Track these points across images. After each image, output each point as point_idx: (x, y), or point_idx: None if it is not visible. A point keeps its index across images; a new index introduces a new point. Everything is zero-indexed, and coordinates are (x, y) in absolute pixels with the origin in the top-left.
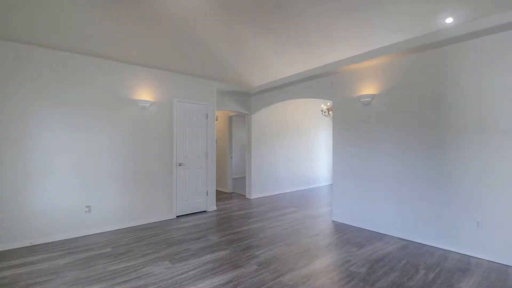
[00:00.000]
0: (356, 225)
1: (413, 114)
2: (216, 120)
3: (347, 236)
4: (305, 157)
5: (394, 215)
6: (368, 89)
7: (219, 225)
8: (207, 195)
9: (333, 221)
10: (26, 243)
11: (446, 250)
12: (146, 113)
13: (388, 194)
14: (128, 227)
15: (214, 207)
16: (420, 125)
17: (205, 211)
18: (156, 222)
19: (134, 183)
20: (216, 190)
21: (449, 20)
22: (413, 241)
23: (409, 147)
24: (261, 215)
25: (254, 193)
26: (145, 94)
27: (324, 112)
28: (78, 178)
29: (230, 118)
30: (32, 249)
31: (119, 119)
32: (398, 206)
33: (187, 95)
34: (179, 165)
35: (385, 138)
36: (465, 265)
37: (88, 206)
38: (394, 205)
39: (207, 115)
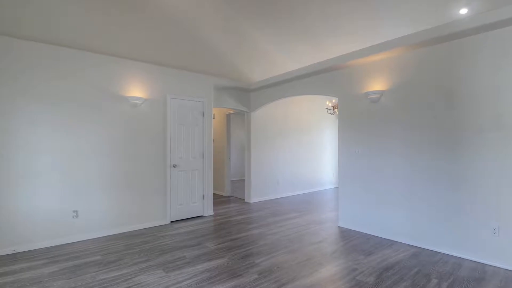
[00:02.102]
0: (364, 231)
1: (425, 112)
2: (213, 118)
3: (354, 242)
4: (309, 158)
5: (405, 220)
6: (377, 85)
7: (216, 231)
8: (204, 199)
9: (339, 226)
10: (9, 250)
11: (460, 257)
12: (138, 110)
13: (398, 197)
14: (118, 233)
15: (211, 212)
16: (433, 123)
17: (201, 216)
18: (149, 228)
19: (125, 186)
20: (213, 194)
21: (464, 11)
22: (425, 248)
23: (420, 147)
24: (262, 221)
25: (254, 197)
26: (136, 91)
27: (329, 109)
28: (65, 180)
29: (228, 116)
30: (15, 257)
31: (109, 117)
32: (409, 210)
33: (181, 91)
34: (174, 166)
35: (395, 138)
36: (481, 274)
37: (75, 211)
38: (404, 210)
39: (203, 112)
